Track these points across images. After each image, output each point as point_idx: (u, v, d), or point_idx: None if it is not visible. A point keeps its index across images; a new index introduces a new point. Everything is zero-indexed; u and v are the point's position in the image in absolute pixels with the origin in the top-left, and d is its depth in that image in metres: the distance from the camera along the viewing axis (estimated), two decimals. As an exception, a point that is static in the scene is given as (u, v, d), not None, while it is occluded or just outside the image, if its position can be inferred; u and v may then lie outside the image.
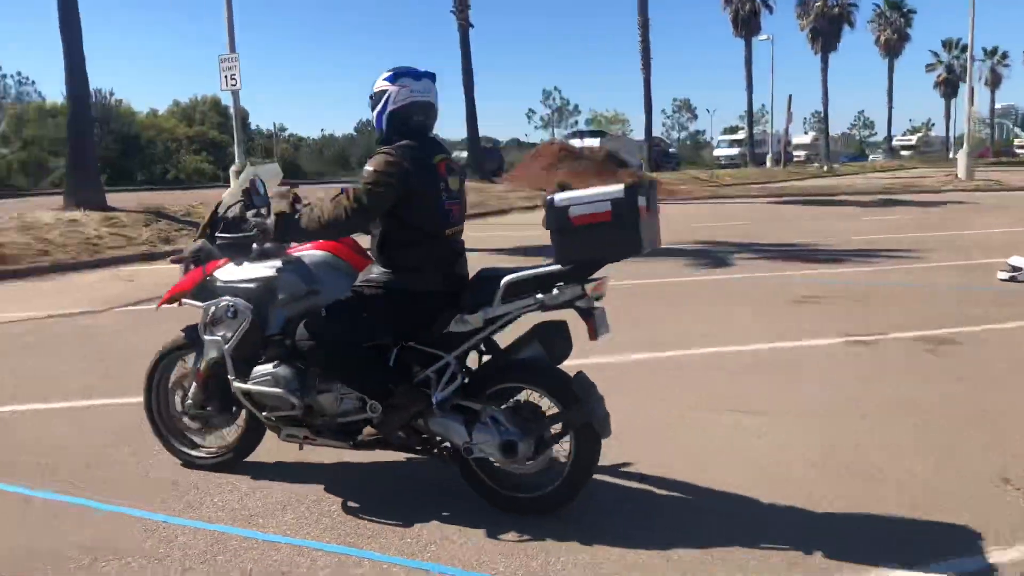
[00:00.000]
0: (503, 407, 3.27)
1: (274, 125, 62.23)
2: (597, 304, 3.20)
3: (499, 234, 15.01)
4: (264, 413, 3.53)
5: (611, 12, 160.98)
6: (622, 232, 3.03)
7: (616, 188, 3.04)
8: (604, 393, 3.25)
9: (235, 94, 18.57)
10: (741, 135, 60.64)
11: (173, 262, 3.91)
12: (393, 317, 3.30)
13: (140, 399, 3.91)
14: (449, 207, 3.36)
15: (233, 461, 3.81)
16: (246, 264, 3.56)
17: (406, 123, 3.31)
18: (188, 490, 3.56)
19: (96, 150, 19.75)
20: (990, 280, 8.77)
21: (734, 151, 58.52)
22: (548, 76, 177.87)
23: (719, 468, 3.71)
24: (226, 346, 3.53)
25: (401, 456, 3.72)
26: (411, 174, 3.20)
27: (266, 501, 3.44)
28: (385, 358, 3.35)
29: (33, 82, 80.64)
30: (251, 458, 3.86)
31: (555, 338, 3.28)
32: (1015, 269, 8.68)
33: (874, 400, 4.66)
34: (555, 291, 3.13)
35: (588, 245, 3.08)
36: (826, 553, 2.91)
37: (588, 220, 3.04)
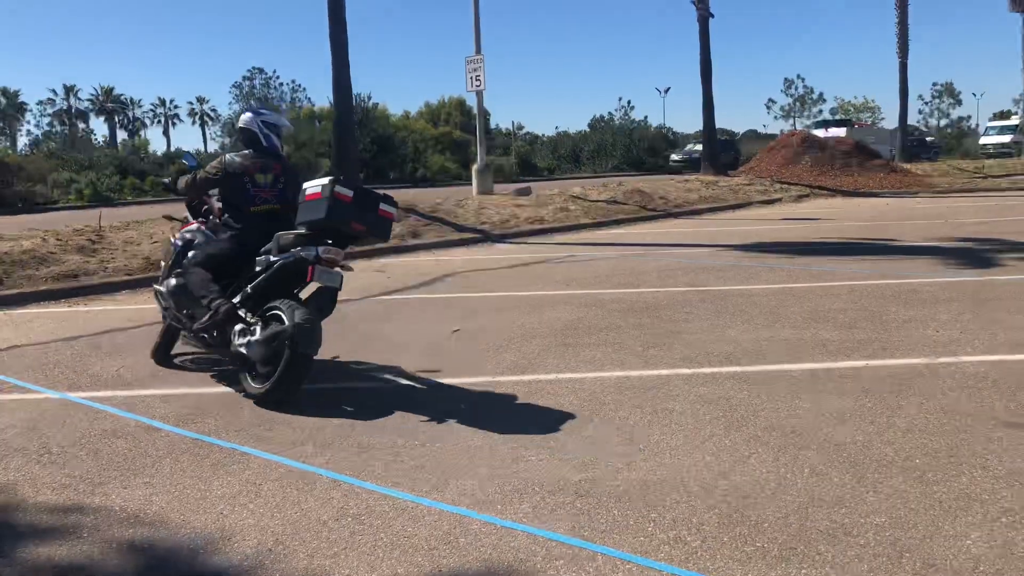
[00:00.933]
0: (261, 322, 4.86)
1: (512, 124, 64.59)
2: (336, 269, 4.90)
3: (734, 229, 14.54)
4: (162, 310, 5.63)
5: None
6: (320, 205, 4.80)
7: (327, 180, 4.86)
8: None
9: (479, 95, 19.50)
10: (1015, 120, 54.17)
11: (166, 217, 6.97)
12: (225, 260, 5.22)
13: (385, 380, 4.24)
14: (255, 193, 5.28)
15: (159, 353, 5.84)
16: (195, 225, 5.66)
17: (243, 138, 5.49)
18: (433, 473, 3.80)
19: (356, 151, 21.59)
20: None
21: (1005, 138, 52.27)
22: (790, 64, 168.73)
23: (979, 487, 3.35)
24: (163, 266, 5.80)
25: (641, 455, 3.78)
26: (224, 171, 5.26)
27: (503, 488, 3.59)
28: (228, 287, 5.15)
29: (304, 89, 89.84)
30: (492, 447, 4.06)
31: (323, 298, 5.01)
32: None
33: None
34: (301, 248, 4.85)
35: (306, 213, 4.92)
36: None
37: (311, 197, 4.90)
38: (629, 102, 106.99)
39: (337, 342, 6.62)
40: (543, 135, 68.48)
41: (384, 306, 8.11)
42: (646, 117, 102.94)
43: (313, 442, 4.25)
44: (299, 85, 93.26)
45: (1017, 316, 6.62)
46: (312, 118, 39.48)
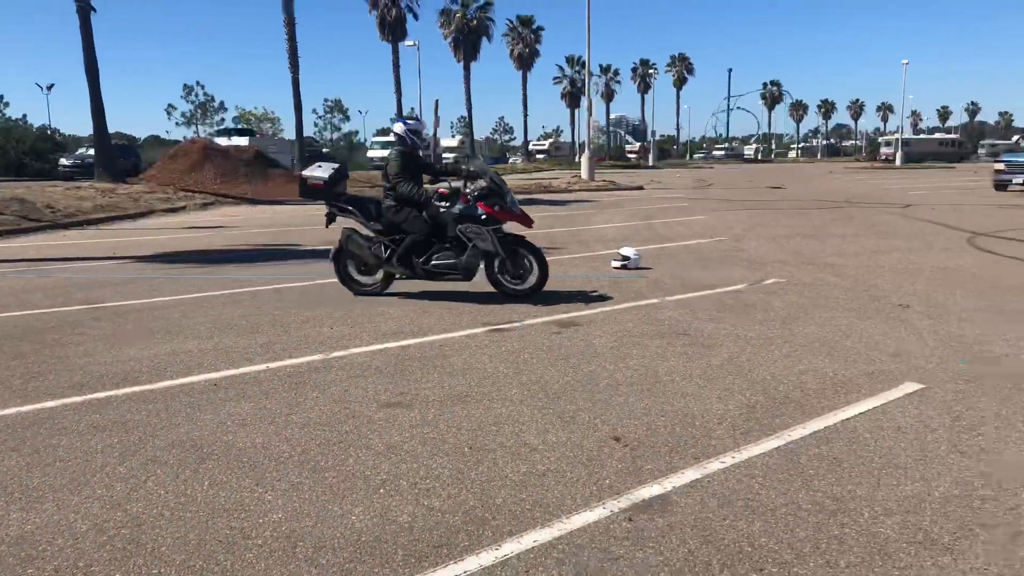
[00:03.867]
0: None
1: None
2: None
3: (136, 240, 13.75)
4: None
5: (257, 6, 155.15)
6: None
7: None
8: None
9: None
10: (392, 137, 62.14)
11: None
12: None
13: None
14: None
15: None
16: None
17: None
18: None
19: None
20: (606, 268, 9.95)
21: (386, 152, 59.76)
22: (190, 70, 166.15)
23: (363, 465, 3.73)
24: None
25: (17, 506, 3.25)
26: None
27: None
28: None
29: None
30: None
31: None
32: (624, 258, 9.95)
33: (509, 381, 5.02)
34: None
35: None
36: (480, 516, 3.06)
37: None
38: (2, 98, 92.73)
39: None
40: None
41: None
42: (25, 116, 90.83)
43: None
44: None
45: (385, 307, 7.56)
46: None
